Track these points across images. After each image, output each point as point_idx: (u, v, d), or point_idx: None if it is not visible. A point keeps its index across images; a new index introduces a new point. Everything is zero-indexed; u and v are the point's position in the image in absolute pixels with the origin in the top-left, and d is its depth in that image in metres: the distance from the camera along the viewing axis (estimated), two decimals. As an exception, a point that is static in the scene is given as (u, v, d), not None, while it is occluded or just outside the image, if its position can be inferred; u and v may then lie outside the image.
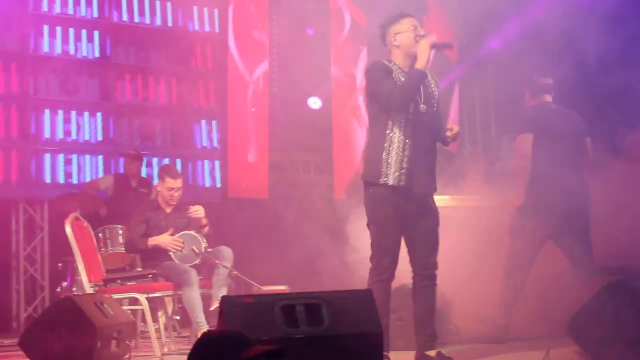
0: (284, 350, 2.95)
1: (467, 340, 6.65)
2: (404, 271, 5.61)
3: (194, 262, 7.22)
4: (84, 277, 6.85)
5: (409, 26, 5.58)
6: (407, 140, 5.50)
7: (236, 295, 5.63)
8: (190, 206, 7.42)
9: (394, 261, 5.57)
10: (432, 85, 5.67)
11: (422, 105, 5.57)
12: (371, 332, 4.43)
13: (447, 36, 10.08)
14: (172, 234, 7.28)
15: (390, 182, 5.47)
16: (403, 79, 5.52)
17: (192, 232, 7.37)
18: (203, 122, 10.35)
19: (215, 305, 7.07)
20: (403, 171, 5.46)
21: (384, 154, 5.52)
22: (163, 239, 7.27)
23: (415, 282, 5.61)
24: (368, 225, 5.62)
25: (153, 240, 7.28)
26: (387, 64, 5.61)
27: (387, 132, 5.55)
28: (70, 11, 9.67)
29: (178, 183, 7.49)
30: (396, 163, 5.48)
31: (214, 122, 10.37)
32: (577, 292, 5.59)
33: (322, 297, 4.55)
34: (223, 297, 4.65)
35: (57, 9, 9.60)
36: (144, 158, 9.48)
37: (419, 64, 5.50)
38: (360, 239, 6.79)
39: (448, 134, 5.58)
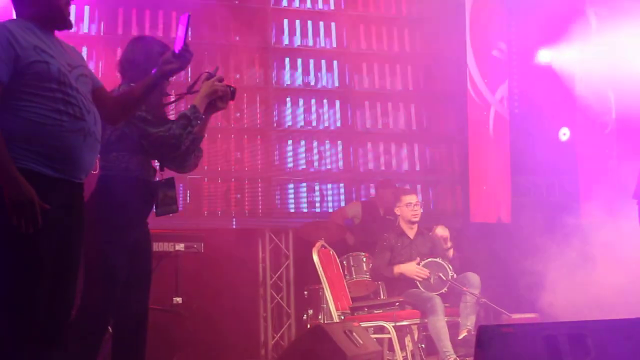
0: None
1: None
2: None
3: (442, 291, 7.10)
4: (331, 305, 6.87)
5: None
6: None
7: (495, 324, 5.42)
8: (435, 226, 7.35)
9: None
10: None
11: None
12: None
13: None
14: (418, 263, 7.21)
15: None
16: None
17: (439, 260, 7.28)
18: (442, 145, 10.21)
19: (463, 334, 6.92)
20: None
21: None
22: (409, 268, 7.22)
23: None
24: None
25: (399, 269, 7.24)
26: None
27: None
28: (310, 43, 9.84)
29: (414, 198, 7.50)
30: None
31: (454, 146, 10.19)
32: None
33: (588, 326, 4.27)
34: (480, 326, 4.48)
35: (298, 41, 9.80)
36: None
37: None
38: (616, 263, 6.45)
39: None
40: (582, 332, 4.21)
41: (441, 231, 7.54)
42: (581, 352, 4.13)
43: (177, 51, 3.89)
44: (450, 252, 7.42)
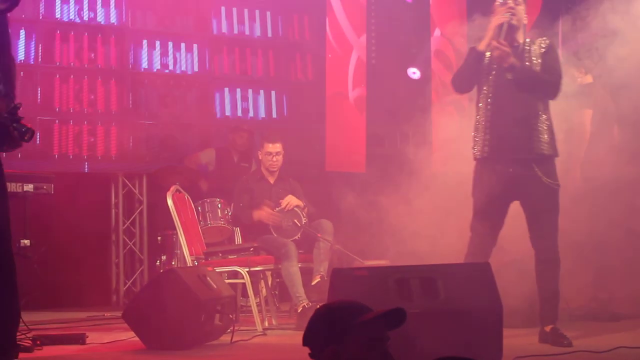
0: (403, 310, 2.78)
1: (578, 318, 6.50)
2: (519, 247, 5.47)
3: (295, 237, 7.14)
4: (185, 250, 6.80)
5: (496, 5, 5.66)
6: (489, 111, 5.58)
7: (347, 268, 5.49)
8: (281, 201, 7.32)
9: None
10: (528, 54, 5.61)
11: (507, 75, 5.55)
12: (490, 307, 4.23)
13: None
14: (273, 209, 7.22)
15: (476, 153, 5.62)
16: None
17: (293, 206, 7.29)
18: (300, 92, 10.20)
19: (316, 279, 6.99)
20: (486, 142, 5.54)
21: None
22: (263, 215, 7.21)
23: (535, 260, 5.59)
24: None
25: (257, 215, 7.23)
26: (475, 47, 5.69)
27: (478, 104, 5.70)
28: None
29: (277, 147, 7.47)
30: (479, 134, 5.61)
31: (310, 93, 10.20)
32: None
33: (437, 270, 4.40)
34: (334, 269, 4.53)
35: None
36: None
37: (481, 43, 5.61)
38: (463, 211, 6.62)
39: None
40: (432, 275, 4.33)
41: (294, 201, 7.46)
42: (431, 293, 4.25)
43: None
44: (306, 210, 7.41)
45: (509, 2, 5.57)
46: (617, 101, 7.03)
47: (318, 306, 3.20)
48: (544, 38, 5.72)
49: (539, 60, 5.58)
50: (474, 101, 6.00)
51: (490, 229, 5.58)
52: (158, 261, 8.59)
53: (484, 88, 5.62)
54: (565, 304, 6.39)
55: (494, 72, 5.58)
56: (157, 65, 9.48)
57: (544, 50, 5.61)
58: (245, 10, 9.96)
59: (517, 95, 5.51)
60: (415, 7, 10.22)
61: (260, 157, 7.60)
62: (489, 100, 5.57)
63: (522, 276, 5.95)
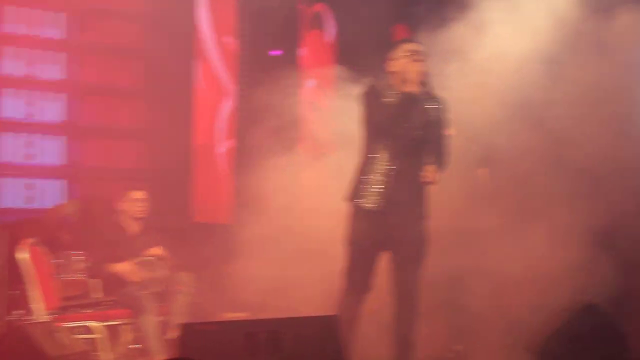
0: None
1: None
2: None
3: (155, 290, 7.05)
4: (38, 304, 6.63)
5: (404, 52, 5.54)
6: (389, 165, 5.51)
7: (196, 322, 5.43)
8: (143, 253, 7.23)
9: None
10: (427, 115, 5.56)
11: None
12: (334, 360, 4.24)
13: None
14: (134, 261, 7.12)
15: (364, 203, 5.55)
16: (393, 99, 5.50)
17: (153, 258, 7.20)
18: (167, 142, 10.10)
19: (174, 332, 6.89)
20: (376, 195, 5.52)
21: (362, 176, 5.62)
22: (122, 268, 7.08)
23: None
24: None
25: (113, 268, 7.10)
26: (375, 86, 5.60)
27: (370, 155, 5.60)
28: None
29: (141, 194, 7.43)
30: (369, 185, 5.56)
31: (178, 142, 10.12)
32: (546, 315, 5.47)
33: (285, 323, 4.38)
34: (184, 324, 4.48)
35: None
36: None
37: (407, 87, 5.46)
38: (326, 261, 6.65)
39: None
40: (279, 329, 4.31)
41: (155, 253, 7.37)
42: (276, 348, 4.23)
43: None
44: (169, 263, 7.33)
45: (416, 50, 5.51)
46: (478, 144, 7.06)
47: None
48: (436, 96, 5.68)
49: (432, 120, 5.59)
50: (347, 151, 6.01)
51: (366, 277, 5.60)
52: (13, 316, 8.30)
53: (388, 141, 5.54)
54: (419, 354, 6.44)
55: (404, 128, 5.51)
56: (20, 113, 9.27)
57: (438, 116, 5.62)
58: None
59: (418, 157, 5.56)
60: (283, 59, 10.25)
61: (124, 207, 7.50)
62: (391, 155, 5.52)
63: (379, 327, 5.98)
